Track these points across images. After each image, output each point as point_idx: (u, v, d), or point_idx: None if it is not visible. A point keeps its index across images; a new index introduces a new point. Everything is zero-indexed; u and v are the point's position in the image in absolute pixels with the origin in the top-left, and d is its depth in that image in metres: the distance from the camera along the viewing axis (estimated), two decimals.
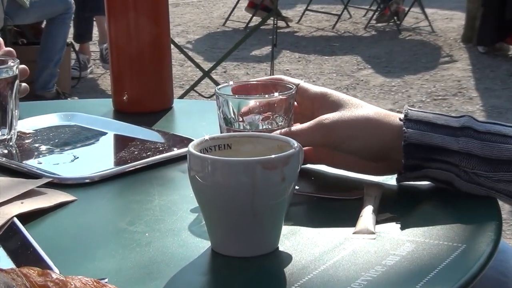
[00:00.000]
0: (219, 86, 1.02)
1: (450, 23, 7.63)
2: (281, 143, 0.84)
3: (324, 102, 1.00)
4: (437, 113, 0.96)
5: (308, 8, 7.95)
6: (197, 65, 4.85)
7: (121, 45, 1.36)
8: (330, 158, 1.02)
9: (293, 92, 0.99)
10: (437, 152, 0.93)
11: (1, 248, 0.85)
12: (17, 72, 1.17)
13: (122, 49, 1.36)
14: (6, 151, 1.16)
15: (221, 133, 1.00)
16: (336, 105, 0.98)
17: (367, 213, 0.89)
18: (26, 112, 1.29)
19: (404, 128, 0.94)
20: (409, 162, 0.94)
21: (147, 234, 0.87)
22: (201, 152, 0.82)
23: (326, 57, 6.34)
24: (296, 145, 0.82)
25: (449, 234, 0.85)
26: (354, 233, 0.86)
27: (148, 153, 1.13)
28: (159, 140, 1.20)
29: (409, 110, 0.96)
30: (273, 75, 5.04)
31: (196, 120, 1.34)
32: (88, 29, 5.83)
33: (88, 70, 5.75)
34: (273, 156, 0.79)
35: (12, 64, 1.17)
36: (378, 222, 0.88)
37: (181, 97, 4.42)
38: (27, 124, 1.28)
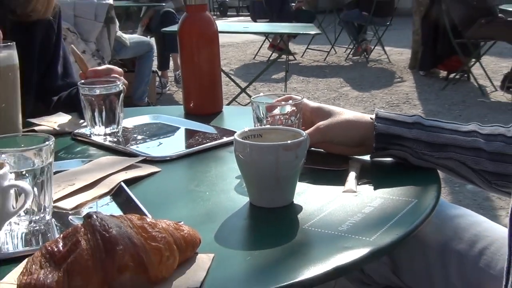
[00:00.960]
0: (253, 97, 1.01)
1: (401, 56, 7.56)
2: (295, 133, 0.83)
3: (319, 113, 0.99)
4: (397, 113, 0.95)
5: (308, 47, 7.93)
6: (237, 84, 4.84)
7: (189, 72, 1.35)
8: (326, 147, 1.00)
9: (302, 101, 0.98)
10: (397, 139, 0.92)
11: (113, 202, 0.85)
12: (122, 88, 1.17)
13: (190, 74, 1.35)
14: (115, 139, 1.16)
15: (254, 127, 0.99)
16: (327, 114, 0.97)
17: (351, 178, 0.88)
18: (128, 114, 1.28)
19: (375, 123, 0.93)
20: (378, 146, 0.93)
21: (207, 193, 0.87)
22: (242, 139, 0.81)
23: (320, 79, 6.31)
24: (305, 134, 0.81)
25: (406, 192, 0.83)
26: (343, 192, 0.84)
27: (207, 140, 1.12)
28: (214, 132, 1.19)
29: (378, 112, 0.94)
30: (286, 91, 5.07)
31: (237, 119, 1.33)
32: (166, 62, 5.86)
33: (167, 88, 5.77)
34: (289, 141, 0.78)
35: (119, 83, 1.16)
36: (359, 184, 0.87)
37: (227, 105, 4.41)
38: (129, 122, 1.27)
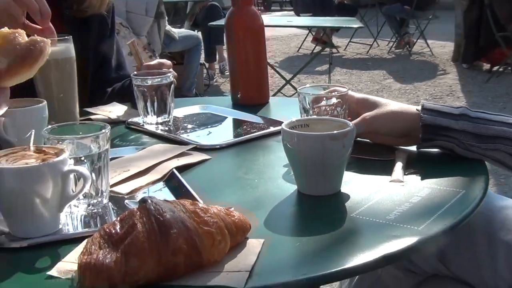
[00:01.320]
0: (299, 88, 1.00)
1: (443, 49, 7.36)
2: (341, 123, 0.82)
3: (365, 104, 0.97)
4: (443, 105, 0.92)
5: (351, 40, 7.81)
6: (282, 76, 4.83)
7: (237, 63, 1.35)
8: (373, 138, 0.98)
9: (347, 92, 0.97)
10: (444, 130, 0.89)
11: (166, 187, 0.86)
12: (172, 79, 1.17)
13: (237, 65, 1.35)
14: (167, 128, 1.17)
15: (301, 117, 0.98)
16: (373, 105, 0.96)
17: (398, 168, 0.86)
18: (178, 104, 1.29)
19: (421, 114, 0.90)
20: (425, 136, 0.90)
21: (256, 180, 0.87)
22: (290, 129, 0.80)
23: (363, 71, 6.21)
24: (351, 124, 0.79)
25: (453, 183, 0.81)
26: (390, 181, 0.83)
27: (255, 130, 1.12)
28: (261, 122, 1.18)
29: (424, 103, 0.92)
30: (330, 83, 5.04)
31: (283, 109, 1.32)
32: (213, 54, 5.88)
33: (214, 80, 5.80)
34: (335, 132, 0.77)
35: (169, 74, 1.17)
36: (405, 174, 0.85)
37: (273, 96, 4.40)
38: (179, 112, 1.28)
